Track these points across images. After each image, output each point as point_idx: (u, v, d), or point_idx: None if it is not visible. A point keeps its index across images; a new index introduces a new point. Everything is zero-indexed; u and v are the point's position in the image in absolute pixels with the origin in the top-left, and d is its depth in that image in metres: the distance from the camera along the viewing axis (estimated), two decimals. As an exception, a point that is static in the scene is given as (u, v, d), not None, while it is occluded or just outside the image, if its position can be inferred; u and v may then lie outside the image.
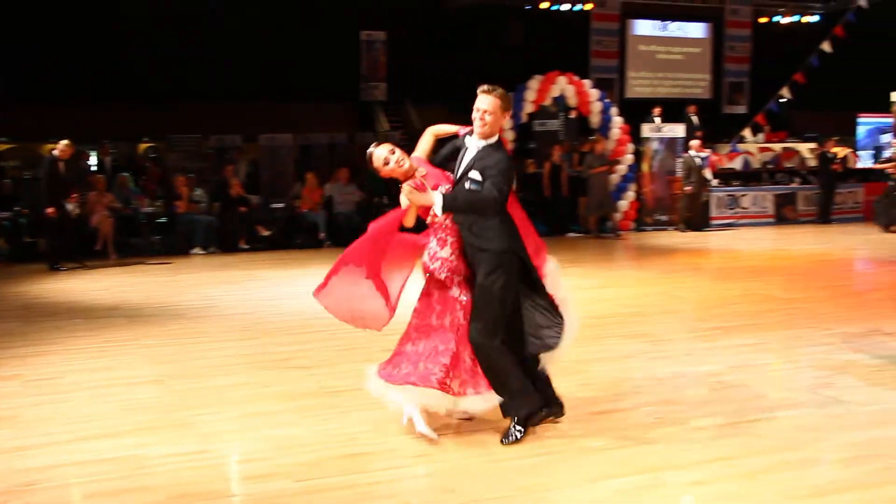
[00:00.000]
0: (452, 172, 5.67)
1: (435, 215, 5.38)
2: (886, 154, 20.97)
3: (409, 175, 5.53)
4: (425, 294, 5.68)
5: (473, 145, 5.49)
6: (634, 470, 5.08)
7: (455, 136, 5.85)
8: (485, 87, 5.43)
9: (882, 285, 12.65)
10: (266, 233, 17.06)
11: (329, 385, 7.00)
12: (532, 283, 5.57)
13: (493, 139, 5.43)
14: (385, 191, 17.46)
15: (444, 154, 5.84)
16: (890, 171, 19.48)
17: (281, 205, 17.88)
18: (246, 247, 16.68)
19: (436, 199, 5.18)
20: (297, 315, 10.12)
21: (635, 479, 4.95)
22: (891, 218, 18.78)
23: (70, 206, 14.69)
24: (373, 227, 5.58)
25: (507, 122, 4.94)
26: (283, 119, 20.84)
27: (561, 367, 7.29)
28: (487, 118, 5.34)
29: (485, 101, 5.36)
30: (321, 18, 21.91)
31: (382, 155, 5.52)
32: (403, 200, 5.47)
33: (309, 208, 17.41)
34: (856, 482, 4.93)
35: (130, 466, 5.28)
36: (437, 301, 5.60)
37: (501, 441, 5.44)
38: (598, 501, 4.67)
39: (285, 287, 12.41)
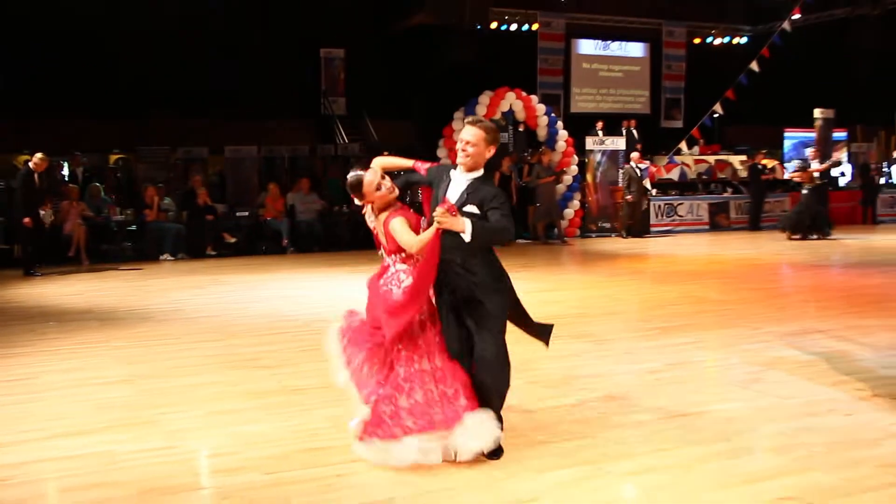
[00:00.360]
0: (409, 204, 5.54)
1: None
2: (795, 164, 21.09)
3: (392, 202, 5.24)
4: (410, 340, 5.15)
5: (460, 179, 5.15)
6: (577, 462, 5.10)
7: (410, 170, 5.55)
8: (470, 118, 5.15)
9: (806, 288, 12.82)
10: (232, 240, 16.99)
11: (292, 384, 6.97)
12: (520, 307, 5.54)
13: (480, 172, 5.16)
14: (346, 200, 17.45)
15: (398, 185, 5.40)
16: (798, 179, 19.57)
17: (246, 213, 17.78)
18: (213, 253, 16.60)
19: (467, 226, 4.83)
20: (262, 317, 10.10)
21: (577, 471, 4.96)
22: (793, 226, 18.84)
23: (43, 214, 14.57)
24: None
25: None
26: (248, 132, 20.72)
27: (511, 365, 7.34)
28: (470, 150, 5.03)
29: (468, 133, 5.05)
30: (283, 36, 21.82)
31: (375, 181, 5.15)
32: (401, 229, 5.07)
33: (272, 216, 17.36)
34: (783, 469, 4.99)
35: (102, 462, 5.23)
36: (424, 343, 5.15)
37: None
38: (542, 492, 4.68)
39: (251, 291, 12.35)
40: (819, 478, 4.88)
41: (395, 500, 4.59)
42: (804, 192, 19.04)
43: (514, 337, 5.53)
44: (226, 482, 4.95)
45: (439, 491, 4.70)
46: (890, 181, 25.27)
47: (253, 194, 18.74)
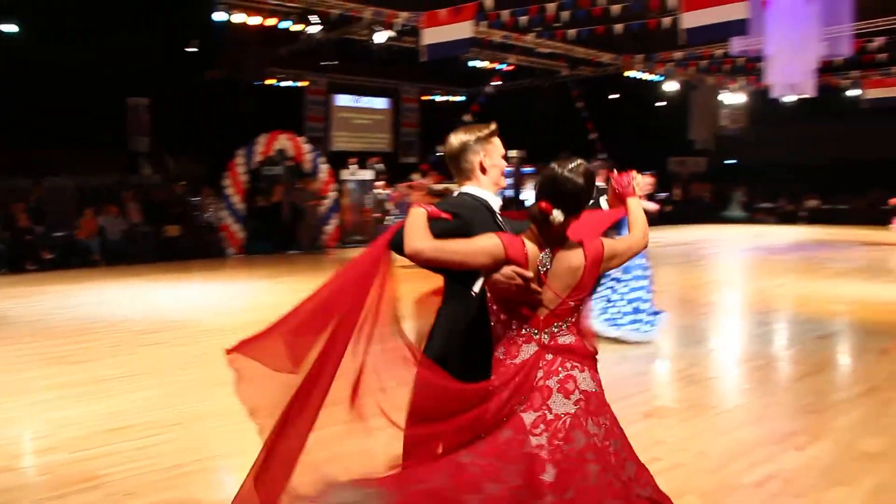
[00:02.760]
0: None
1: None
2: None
3: None
4: None
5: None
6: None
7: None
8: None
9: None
10: (49, 256, 15.74)
11: (100, 374, 6.59)
12: None
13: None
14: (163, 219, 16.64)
15: None
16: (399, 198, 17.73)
17: (62, 233, 16.52)
18: (32, 268, 15.29)
19: None
20: (75, 321, 9.44)
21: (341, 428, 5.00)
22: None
23: None
24: None
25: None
26: (66, 163, 19.30)
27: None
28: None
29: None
30: (98, 86, 20.43)
31: None
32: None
33: (85, 236, 16.25)
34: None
35: (-72, 451, 4.77)
36: None
37: None
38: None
39: (67, 299, 11.44)
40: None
41: (199, 461, 4.47)
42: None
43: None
44: (39, 461, 4.64)
45: (223, 456, 4.61)
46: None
47: (70, 216, 17.43)
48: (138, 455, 4.60)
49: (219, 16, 16.12)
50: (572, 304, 2.62)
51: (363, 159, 22.43)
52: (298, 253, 18.13)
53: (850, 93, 24.58)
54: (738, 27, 12.51)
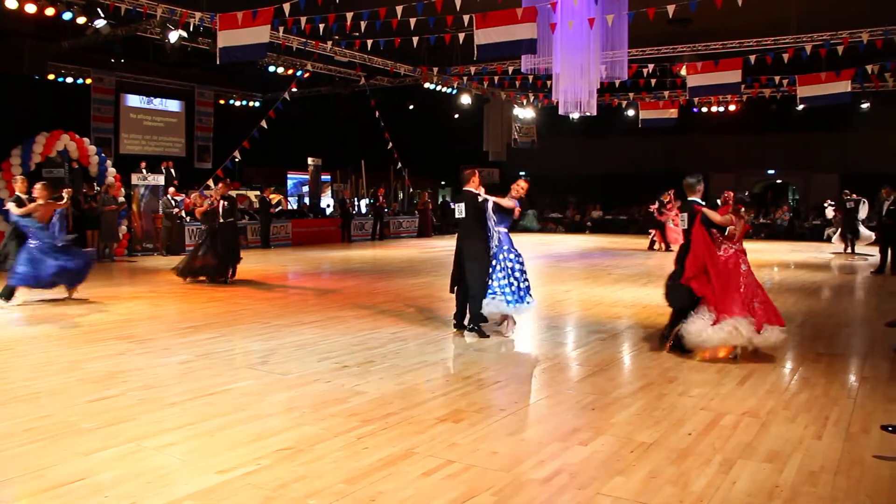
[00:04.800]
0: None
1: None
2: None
3: None
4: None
5: None
6: (120, 441, 4.85)
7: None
8: None
9: (305, 290, 13.30)
10: None
11: None
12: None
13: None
14: None
15: None
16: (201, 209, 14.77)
17: None
18: None
19: None
20: None
21: (121, 449, 4.72)
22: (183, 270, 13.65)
23: None
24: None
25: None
26: None
27: (59, 366, 6.81)
28: None
29: None
30: None
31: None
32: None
33: None
34: (282, 427, 5.17)
35: None
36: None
37: None
38: (90, 469, 4.37)
39: None
40: (307, 430, 5.13)
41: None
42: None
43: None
44: None
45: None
46: (359, 211, 27.18)
47: None
48: None
49: (-13, -1, 14.76)
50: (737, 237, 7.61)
51: (155, 163, 21.43)
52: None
53: (628, 113, 26.64)
54: (527, 46, 13.22)
